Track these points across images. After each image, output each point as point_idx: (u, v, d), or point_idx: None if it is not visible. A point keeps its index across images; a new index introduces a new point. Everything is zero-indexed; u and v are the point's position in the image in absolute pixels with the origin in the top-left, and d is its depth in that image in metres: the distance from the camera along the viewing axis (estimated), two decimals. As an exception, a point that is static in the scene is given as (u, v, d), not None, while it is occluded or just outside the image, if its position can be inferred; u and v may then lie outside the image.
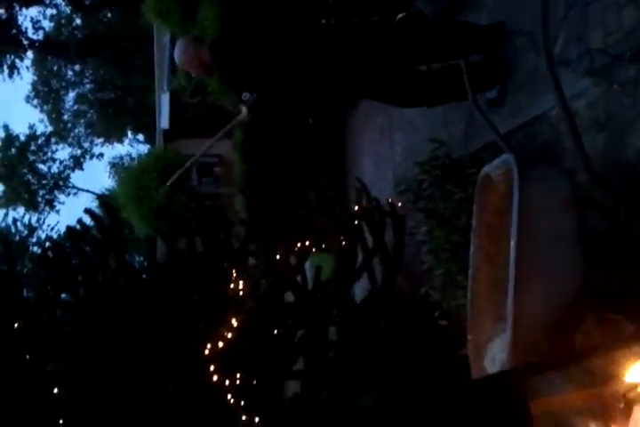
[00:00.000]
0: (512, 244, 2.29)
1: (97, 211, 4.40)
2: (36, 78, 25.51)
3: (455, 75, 4.15)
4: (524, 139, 3.65)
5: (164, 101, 15.41)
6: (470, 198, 2.97)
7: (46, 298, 3.56)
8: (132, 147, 27.24)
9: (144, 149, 25.70)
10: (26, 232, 20.23)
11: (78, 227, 4.09)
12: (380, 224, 4.36)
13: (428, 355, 3.43)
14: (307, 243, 5.01)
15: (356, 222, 4.73)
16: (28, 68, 25.06)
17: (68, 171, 25.41)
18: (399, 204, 4.39)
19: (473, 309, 2.57)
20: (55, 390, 3.77)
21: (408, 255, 4.24)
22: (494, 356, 2.37)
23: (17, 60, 24.79)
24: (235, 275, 4.61)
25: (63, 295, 4.08)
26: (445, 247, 3.36)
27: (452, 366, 2.98)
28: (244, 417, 3.78)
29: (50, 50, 24.42)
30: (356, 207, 4.77)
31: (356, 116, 7.91)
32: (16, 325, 3.62)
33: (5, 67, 24.55)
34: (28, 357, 3.77)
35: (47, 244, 3.75)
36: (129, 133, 26.90)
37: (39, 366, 3.75)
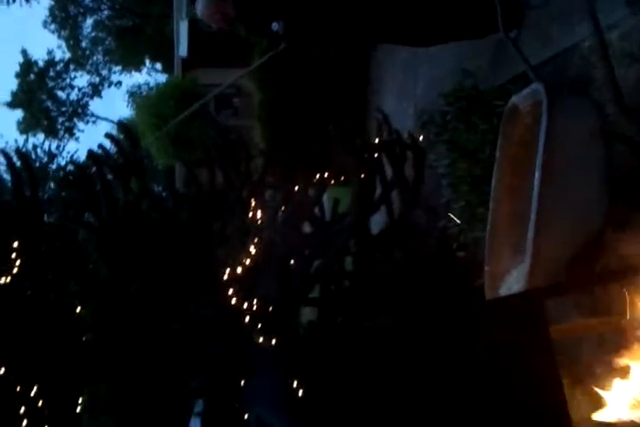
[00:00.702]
0: (536, 175, 2.27)
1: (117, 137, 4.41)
2: (53, 3, 25.00)
3: (474, 11, 4.02)
4: (553, 71, 3.55)
5: (183, 29, 15.08)
6: (495, 130, 2.93)
7: (69, 219, 3.63)
8: (149, 76, 26.92)
9: (162, 78, 25.42)
10: (46, 159, 20.34)
11: (99, 151, 4.12)
12: (401, 157, 4.33)
13: (443, 284, 3.49)
14: (325, 175, 5.02)
15: (376, 155, 4.70)
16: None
17: (86, 98, 25.30)
18: (420, 137, 4.34)
19: (492, 240, 2.58)
20: (77, 310, 3.92)
21: (427, 188, 4.23)
22: (510, 286, 2.40)
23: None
24: (253, 205, 4.65)
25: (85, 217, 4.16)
26: (467, 180, 3.35)
27: (468, 294, 3.04)
28: (260, 339, 3.91)
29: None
30: (377, 140, 4.73)
31: (380, 50, 7.72)
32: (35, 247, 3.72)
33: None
34: (50, 277, 3.89)
35: (69, 167, 3.78)
36: (147, 62, 26.55)
37: (62, 286, 3.87)
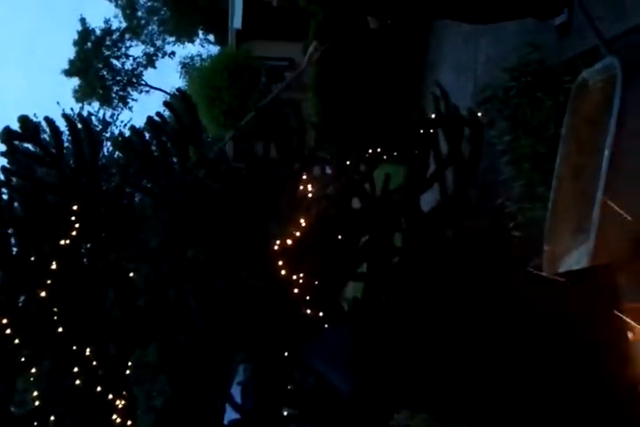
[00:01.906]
0: (605, 154, 2.19)
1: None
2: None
3: None
4: (624, 47, 3.39)
5: (238, 0, 15.02)
6: (561, 107, 2.84)
7: (129, 183, 3.69)
8: (202, 47, 26.99)
9: (214, 49, 25.46)
10: (100, 127, 20.84)
11: (158, 119, 4.17)
12: (458, 132, 4.24)
13: (496, 264, 3.44)
14: (378, 150, 4.96)
15: (432, 131, 4.61)
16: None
17: (140, 68, 25.61)
18: (479, 113, 4.23)
19: (553, 220, 2.52)
20: (131, 274, 4.01)
21: (484, 166, 4.14)
22: (570, 266, 2.34)
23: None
24: (305, 178, 4.65)
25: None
26: (529, 158, 3.24)
27: (523, 275, 2.98)
28: (308, 311, 3.94)
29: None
30: (433, 115, 4.63)
31: (440, 22, 7.51)
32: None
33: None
34: (107, 241, 3.98)
35: (128, 132, 3.83)
36: (200, 33, 26.61)
37: (117, 250, 3.96)
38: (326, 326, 3.71)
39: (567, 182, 2.53)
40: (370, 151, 5.04)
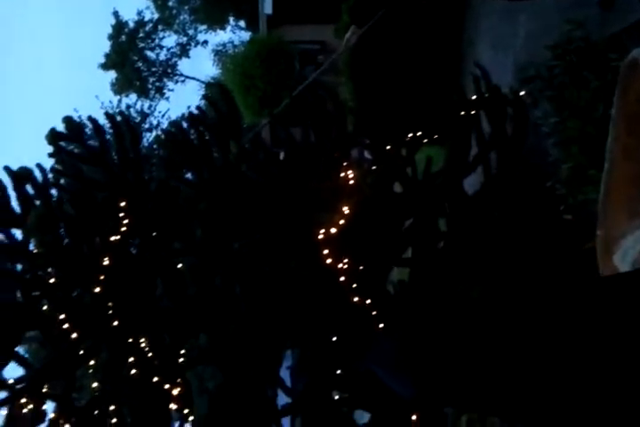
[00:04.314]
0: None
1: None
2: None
3: None
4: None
5: (269, -15, 14.92)
6: (609, 87, 2.74)
7: (174, 178, 3.74)
8: (233, 33, 26.99)
9: (246, 35, 25.43)
10: (138, 118, 21.13)
11: (197, 112, 4.20)
12: (501, 113, 4.16)
13: (547, 248, 3.38)
14: (418, 133, 4.90)
15: (473, 112, 4.53)
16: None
17: (175, 58, 25.80)
18: (522, 92, 4.12)
19: (606, 204, 2.45)
20: (179, 266, 4.08)
21: (530, 148, 4.05)
22: (626, 252, 2.28)
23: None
24: (345, 164, 4.62)
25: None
26: (578, 140, 3.15)
27: (575, 260, 2.92)
28: (355, 298, 3.96)
29: None
30: (474, 95, 4.55)
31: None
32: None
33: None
34: (155, 235, 4.06)
35: (169, 128, 3.88)
36: (231, 20, 26.61)
37: (165, 244, 4.03)
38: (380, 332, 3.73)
39: (619, 165, 2.45)
40: (410, 135, 4.99)
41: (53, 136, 3.60)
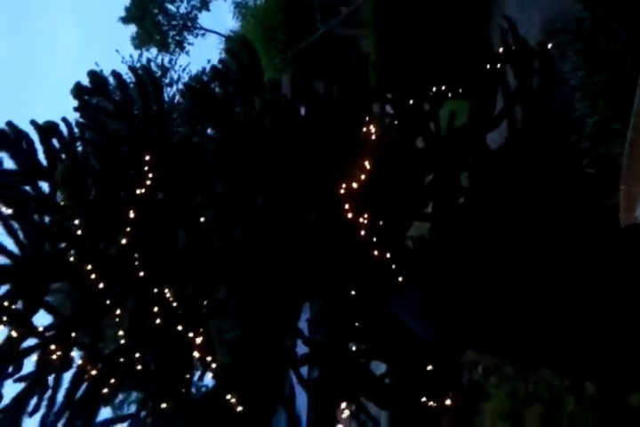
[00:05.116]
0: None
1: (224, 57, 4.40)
2: None
3: None
4: None
5: None
6: (639, 40, 2.66)
7: (197, 134, 3.76)
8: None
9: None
10: (159, 73, 21.00)
11: (220, 66, 4.18)
12: (527, 66, 4.08)
13: (570, 202, 3.36)
14: (442, 87, 4.83)
15: (499, 65, 4.45)
16: None
17: (195, 11, 25.39)
18: (550, 45, 4.03)
19: (630, 158, 2.43)
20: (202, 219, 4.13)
21: (557, 102, 3.98)
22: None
23: None
24: (367, 118, 4.59)
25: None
26: (604, 94, 3.08)
27: (598, 213, 2.92)
28: (375, 252, 4.01)
29: None
30: (501, 49, 4.46)
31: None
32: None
33: None
34: (179, 189, 4.10)
35: (193, 82, 3.86)
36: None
37: (189, 197, 4.08)
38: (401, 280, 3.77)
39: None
40: (434, 89, 4.91)
41: (79, 90, 3.62)
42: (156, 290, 3.94)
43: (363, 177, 4.30)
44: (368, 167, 4.35)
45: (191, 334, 4.13)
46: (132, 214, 3.67)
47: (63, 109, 4.22)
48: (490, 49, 4.52)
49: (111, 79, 3.87)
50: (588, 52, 3.15)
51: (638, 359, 1.93)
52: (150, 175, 3.83)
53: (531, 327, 1.96)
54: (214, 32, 25.01)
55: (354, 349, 4.52)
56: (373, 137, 4.56)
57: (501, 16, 4.64)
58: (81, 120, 3.77)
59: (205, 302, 4.16)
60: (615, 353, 2.04)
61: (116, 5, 24.17)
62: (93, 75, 3.62)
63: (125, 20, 24.29)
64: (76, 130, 3.81)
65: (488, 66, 4.40)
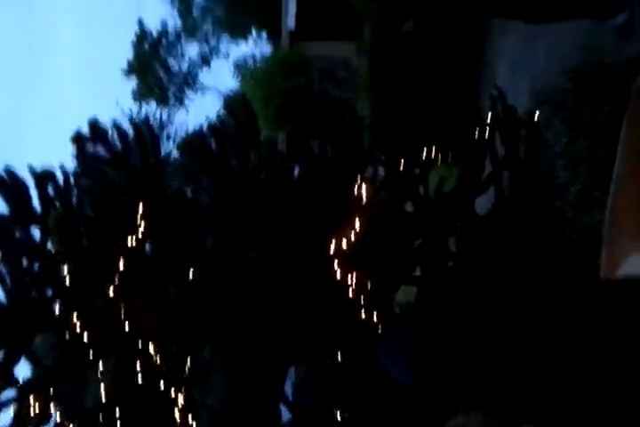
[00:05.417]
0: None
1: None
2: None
3: None
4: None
5: (292, 1, 15.13)
6: (621, 110, 2.80)
7: (190, 184, 3.82)
8: (255, 46, 27.32)
9: (267, 49, 25.73)
10: (158, 127, 21.44)
11: (218, 123, 4.30)
12: (515, 134, 4.22)
13: (553, 269, 3.42)
14: (433, 152, 4.96)
15: (488, 132, 4.60)
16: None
17: (196, 68, 26.18)
18: (537, 113, 4.18)
19: (611, 224, 2.50)
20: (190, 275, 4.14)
21: (542, 168, 4.10)
22: (629, 271, 2.32)
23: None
24: (359, 180, 4.68)
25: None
26: (586, 161, 3.20)
27: (581, 277, 2.96)
28: (363, 314, 4.00)
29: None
30: (490, 116, 4.61)
31: (497, 21, 7.40)
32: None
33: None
34: (169, 239, 4.13)
35: (190, 136, 3.97)
36: (253, 32, 26.94)
37: (179, 251, 4.10)
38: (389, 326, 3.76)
39: (625, 187, 2.50)
40: (424, 153, 5.04)
41: (78, 138, 3.70)
42: (139, 345, 3.88)
43: (353, 237, 4.34)
44: (358, 228, 4.40)
45: (173, 394, 4.04)
46: (121, 265, 3.67)
47: (60, 159, 4.26)
48: (479, 116, 4.68)
49: (110, 129, 3.97)
50: (572, 120, 3.29)
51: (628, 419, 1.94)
52: (143, 225, 3.85)
53: (516, 383, 1.97)
54: (214, 89, 25.66)
55: (339, 417, 4.42)
56: (364, 198, 4.64)
57: (492, 85, 4.83)
58: (78, 167, 3.84)
59: (189, 361, 4.10)
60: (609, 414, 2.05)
61: (120, 57, 24.84)
62: (94, 123, 3.72)
63: (127, 73, 24.93)
64: (72, 177, 3.88)
65: (477, 133, 4.54)
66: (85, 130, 3.91)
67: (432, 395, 3.18)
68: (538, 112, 4.20)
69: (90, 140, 3.85)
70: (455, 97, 6.93)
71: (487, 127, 4.58)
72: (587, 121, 3.18)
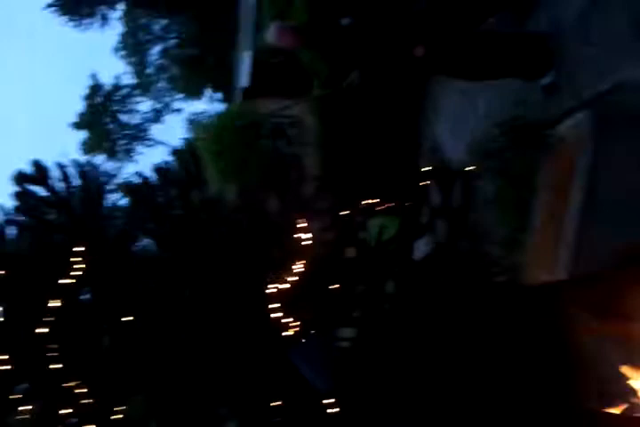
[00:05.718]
0: (576, 197, 2.34)
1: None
2: (124, 30, 26.25)
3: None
4: (609, 103, 3.57)
5: (246, 59, 15.55)
6: (544, 160, 3.01)
7: (134, 227, 3.84)
8: (209, 104, 27.80)
9: (221, 107, 26.17)
10: (104, 179, 21.29)
11: (164, 168, 4.37)
12: (449, 184, 4.44)
13: (484, 308, 3.54)
14: (373, 202, 5.14)
15: (425, 182, 4.81)
16: (118, 18, 25.83)
17: (147, 123, 26.33)
18: (471, 165, 4.42)
19: (530, 260, 2.65)
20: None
21: (474, 215, 4.29)
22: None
23: (109, 11, 25.58)
24: (302, 226, 4.79)
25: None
26: (512, 206, 3.40)
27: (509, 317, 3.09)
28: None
29: (140, 1, 25.05)
30: (427, 168, 4.85)
31: (439, 79, 7.76)
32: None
33: (99, 17, 25.37)
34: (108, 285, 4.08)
35: (138, 180, 4.02)
36: (207, 91, 27.43)
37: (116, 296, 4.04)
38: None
39: (544, 227, 2.67)
40: (366, 202, 5.23)
41: (20, 177, 3.71)
42: (68, 385, 3.76)
43: (293, 280, 4.40)
44: (298, 273, 4.47)
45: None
46: (54, 304, 3.60)
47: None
48: (417, 168, 4.91)
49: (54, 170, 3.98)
50: (501, 169, 3.51)
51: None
52: (80, 266, 3.82)
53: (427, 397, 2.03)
54: (164, 144, 25.76)
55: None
56: (306, 243, 4.73)
57: (432, 139, 5.08)
58: (18, 206, 3.81)
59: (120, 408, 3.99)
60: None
61: (69, 112, 24.76)
62: (36, 164, 3.74)
63: (77, 126, 24.83)
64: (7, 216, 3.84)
65: (415, 184, 4.75)
66: (27, 170, 3.92)
67: (348, 399, 3.22)
68: (472, 164, 4.44)
69: (32, 179, 3.86)
70: (398, 151, 7.20)
71: (424, 178, 4.81)
72: (513, 169, 3.41)
